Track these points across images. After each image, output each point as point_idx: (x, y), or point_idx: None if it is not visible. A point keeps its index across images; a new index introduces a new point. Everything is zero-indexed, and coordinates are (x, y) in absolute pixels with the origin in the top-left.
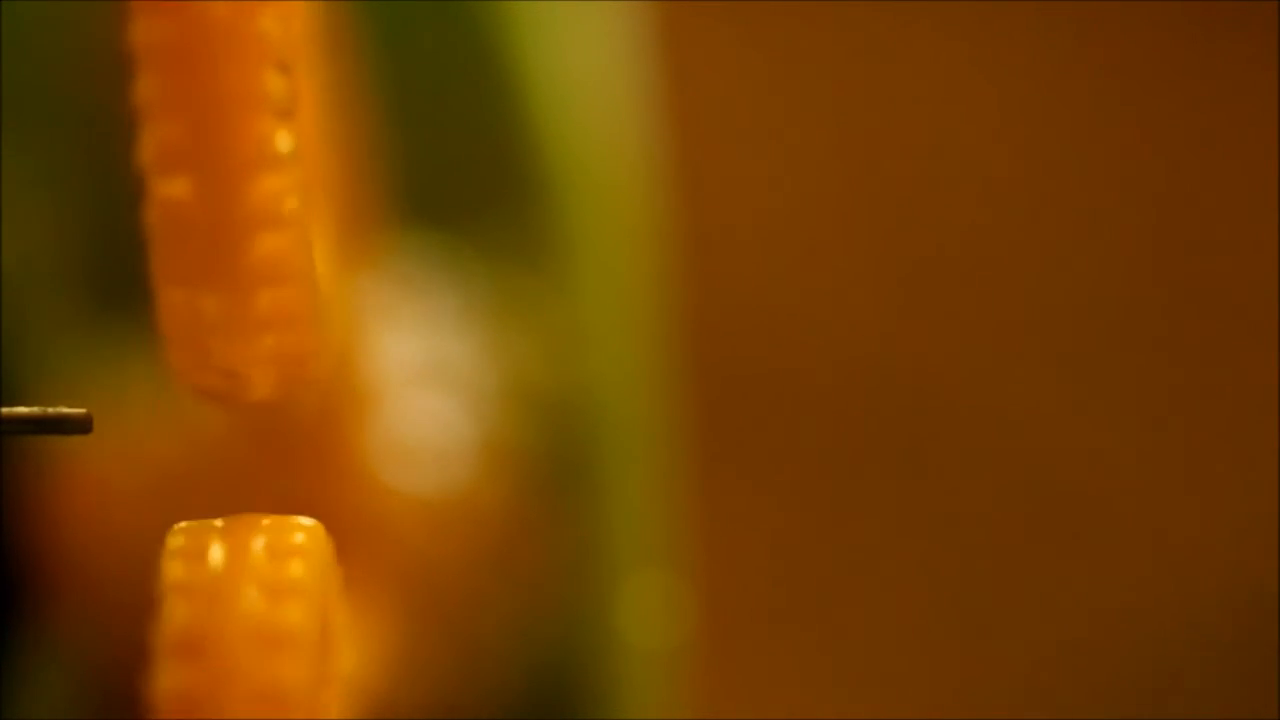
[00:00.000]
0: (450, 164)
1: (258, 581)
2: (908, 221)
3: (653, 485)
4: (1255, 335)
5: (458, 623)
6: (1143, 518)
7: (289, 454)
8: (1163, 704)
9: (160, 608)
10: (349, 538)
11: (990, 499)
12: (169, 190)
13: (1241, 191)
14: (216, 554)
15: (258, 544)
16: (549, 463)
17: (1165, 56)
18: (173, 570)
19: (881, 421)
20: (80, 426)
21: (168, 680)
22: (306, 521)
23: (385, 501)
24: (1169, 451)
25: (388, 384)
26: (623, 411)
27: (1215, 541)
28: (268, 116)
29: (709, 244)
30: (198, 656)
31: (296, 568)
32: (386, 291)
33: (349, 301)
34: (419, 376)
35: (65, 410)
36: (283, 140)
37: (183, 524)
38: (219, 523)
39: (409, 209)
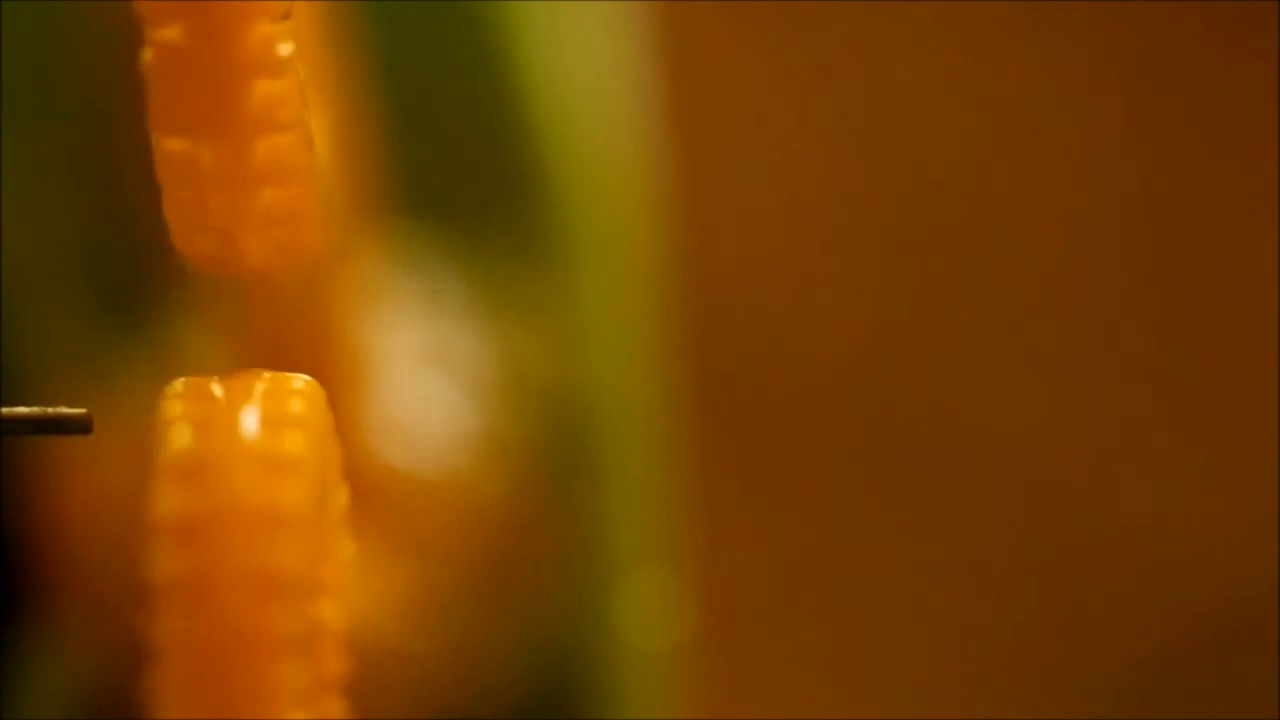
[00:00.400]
0: (451, 162)
1: (258, 413)
2: (908, 221)
3: (652, 483)
4: (1255, 335)
5: (457, 621)
6: (1143, 518)
7: None
8: (1163, 704)
9: (159, 440)
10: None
11: (990, 499)
12: (165, 36)
13: (1242, 191)
14: (217, 390)
15: (257, 387)
16: (549, 461)
17: (1165, 57)
18: (172, 407)
19: (881, 420)
20: (80, 426)
21: (167, 507)
22: (300, 381)
23: (383, 500)
24: (1169, 452)
25: (389, 375)
26: (622, 409)
27: (1215, 541)
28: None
29: (709, 242)
30: (198, 484)
31: (296, 404)
32: (388, 284)
33: (352, 293)
34: (420, 369)
35: (65, 410)
36: None
37: (179, 380)
38: (215, 385)
39: (411, 206)
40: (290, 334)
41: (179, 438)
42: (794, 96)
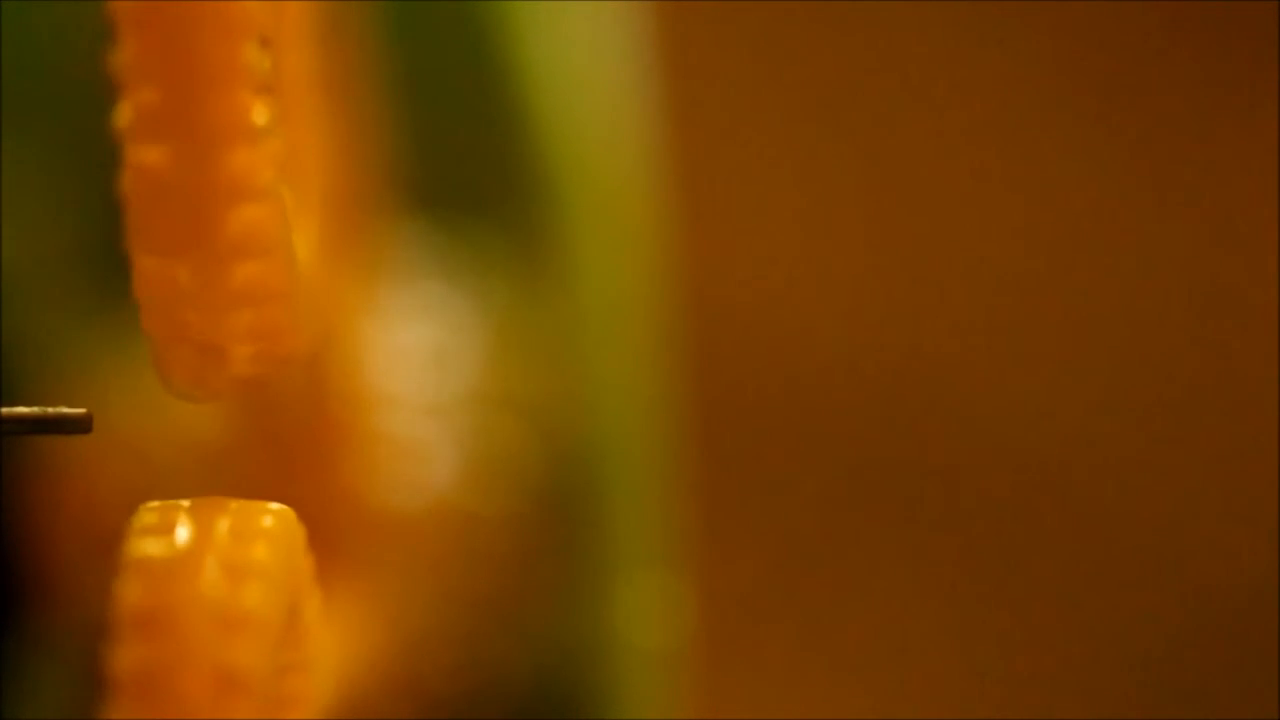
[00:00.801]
0: (451, 164)
1: (219, 561)
2: (909, 222)
3: (652, 484)
4: (1255, 335)
5: (457, 621)
6: (1143, 518)
7: (287, 453)
8: (1163, 704)
9: (120, 583)
10: (347, 537)
11: (990, 500)
12: (145, 157)
13: (1242, 191)
14: (181, 533)
15: (223, 525)
16: (548, 464)
17: (1165, 57)
18: (136, 547)
19: (881, 420)
20: (80, 426)
21: (124, 657)
22: (275, 506)
23: (382, 501)
24: (1169, 452)
25: (385, 382)
26: (622, 410)
27: (1215, 541)
28: (246, 89)
29: (709, 243)
30: (154, 633)
31: (260, 550)
32: (386, 288)
33: (348, 297)
34: (417, 375)
35: (65, 410)
36: (260, 113)
37: (153, 503)
38: (186, 503)
39: (410, 208)
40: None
41: (137, 586)
42: (794, 97)
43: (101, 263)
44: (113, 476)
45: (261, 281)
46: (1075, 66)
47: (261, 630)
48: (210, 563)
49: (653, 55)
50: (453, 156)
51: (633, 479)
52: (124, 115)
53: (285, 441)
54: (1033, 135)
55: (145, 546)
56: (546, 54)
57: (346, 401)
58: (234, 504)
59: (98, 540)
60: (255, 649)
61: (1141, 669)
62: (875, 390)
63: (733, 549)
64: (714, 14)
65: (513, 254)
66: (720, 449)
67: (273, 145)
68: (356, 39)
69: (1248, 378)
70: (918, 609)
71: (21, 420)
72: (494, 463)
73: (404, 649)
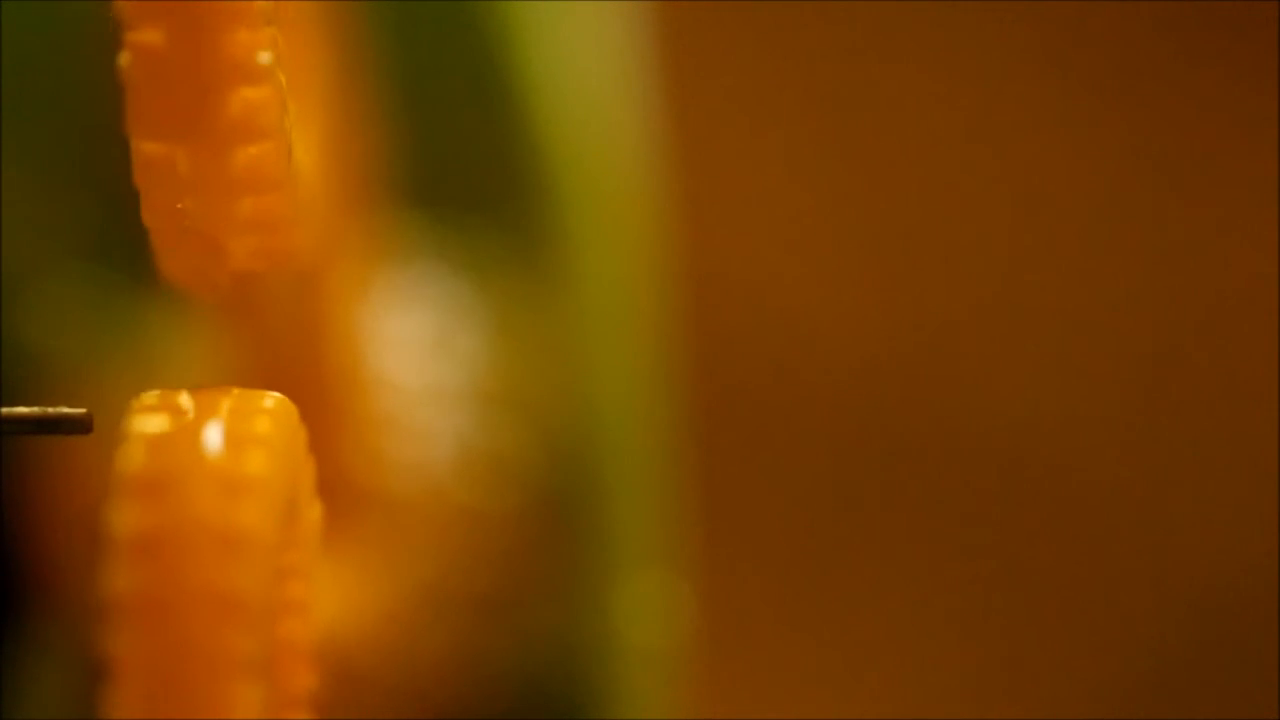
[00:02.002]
0: (451, 162)
1: (222, 431)
2: (908, 223)
3: (652, 484)
4: (1255, 334)
5: (455, 619)
6: (1143, 517)
7: None
8: (1163, 703)
9: (121, 453)
10: (346, 538)
11: (990, 500)
12: (144, 39)
13: (1242, 190)
14: (183, 405)
15: (224, 404)
16: (549, 462)
17: (1165, 57)
18: (137, 421)
19: (882, 420)
20: (80, 426)
21: (124, 523)
22: (274, 395)
23: (385, 496)
24: (1169, 452)
25: (387, 375)
26: (623, 410)
27: (1215, 540)
28: None
29: (709, 243)
30: (156, 501)
31: (262, 423)
32: (387, 286)
33: (349, 293)
34: (417, 373)
35: (65, 410)
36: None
37: (146, 397)
38: (183, 399)
39: (410, 206)
40: (282, 344)
41: (139, 452)
42: (794, 96)
43: (101, 263)
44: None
45: (261, 167)
46: (1075, 66)
47: (266, 498)
48: (212, 430)
49: (653, 55)
50: (453, 155)
51: (633, 478)
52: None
53: None
54: (1032, 134)
55: (146, 422)
56: (546, 53)
57: (347, 397)
58: (229, 398)
59: (97, 540)
60: (259, 515)
61: (1142, 668)
62: (876, 389)
63: (733, 549)
64: (714, 14)
65: (513, 252)
66: (720, 448)
67: (272, 30)
68: (356, 39)
69: (1248, 375)
70: (918, 608)
71: (21, 420)
72: (493, 460)
73: (405, 650)
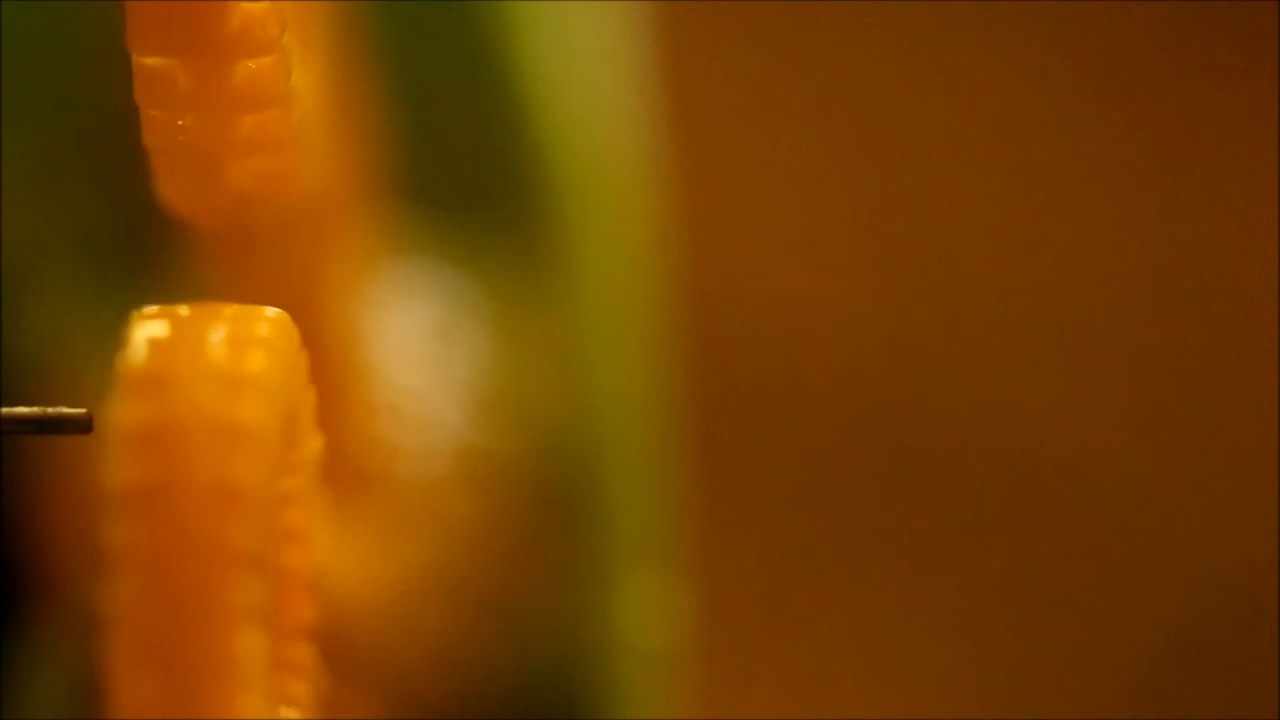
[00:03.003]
0: (451, 163)
1: (216, 375)
2: (909, 222)
3: (652, 484)
4: (1255, 334)
5: (455, 618)
6: (1143, 516)
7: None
8: (1163, 703)
9: (117, 398)
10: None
11: (990, 499)
12: None
13: (1242, 190)
14: (184, 312)
15: (218, 335)
16: (547, 460)
17: (1165, 57)
18: (132, 358)
19: (882, 422)
20: (80, 426)
21: (123, 473)
22: (271, 311)
23: (385, 478)
24: (1170, 450)
25: (385, 379)
26: (621, 410)
27: (1215, 541)
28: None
29: (708, 242)
30: (158, 395)
31: (256, 360)
32: (386, 285)
33: (351, 291)
34: (418, 372)
35: (65, 410)
36: None
37: (148, 310)
38: (183, 310)
39: (412, 207)
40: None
41: (141, 352)
42: (794, 97)
43: (102, 263)
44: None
45: (261, 82)
46: (1074, 66)
47: (260, 443)
48: (207, 377)
49: (653, 55)
50: (453, 154)
51: (632, 477)
52: None
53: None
54: (1031, 133)
55: (141, 361)
56: (546, 54)
57: (347, 397)
58: (230, 309)
59: (97, 541)
60: (254, 462)
61: (1142, 668)
62: (876, 389)
63: (733, 549)
64: (714, 14)
65: (513, 250)
66: (721, 449)
67: None
68: (357, 39)
69: (1248, 374)
70: (918, 607)
71: (21, 420)
72: (493, 460)
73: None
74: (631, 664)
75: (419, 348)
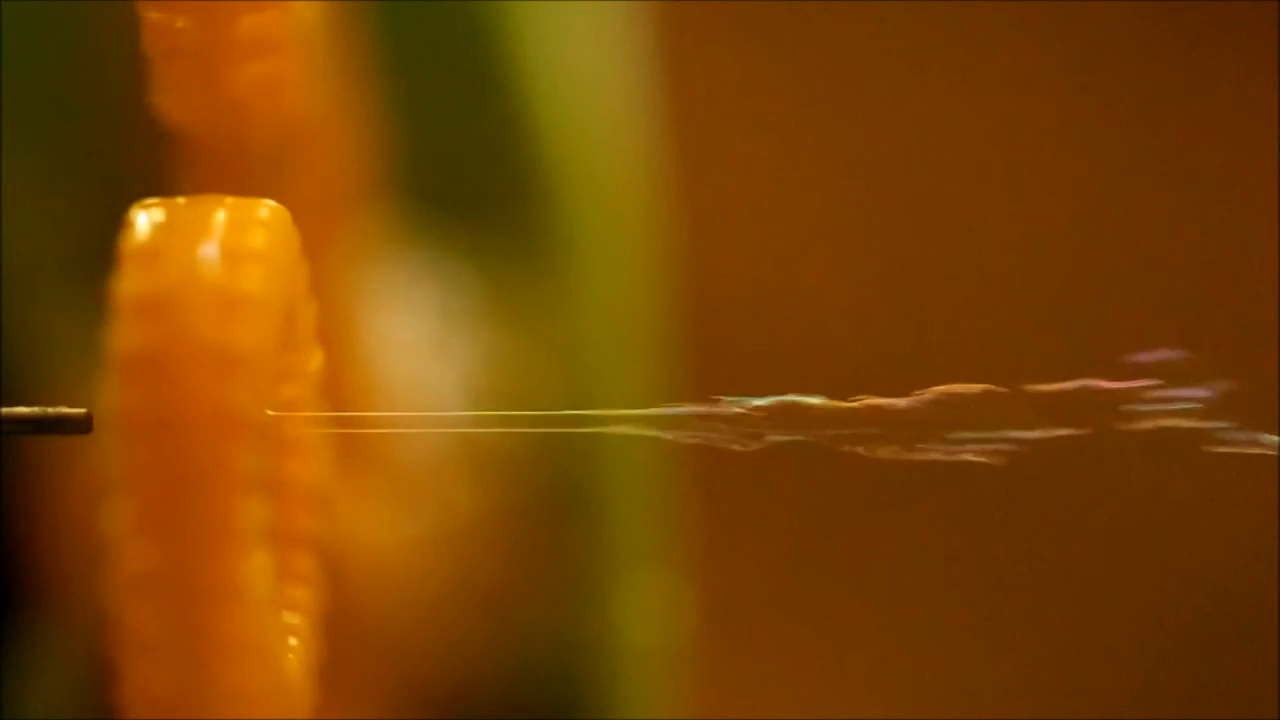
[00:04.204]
0: (451, 163)
1: (218, 247)
2: (908, 222)
3: (652, 484)
4: (1255, 334)
5: (456, 617)
6: (1143, 516)
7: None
8: (1163, 703)
9: (118, 272)
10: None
11: (989, 500)
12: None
13: (1242, 190)
14: (178, 217)
15: (219, 215)
16: (547, 459)
17: (1165, 57)
18: (133, 237)
19: None
20: (80, 426)
21: (124, 342)
22: (270, 202)
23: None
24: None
25: (386, 377)
26: (622, 407)
27: (1215, 541)
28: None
29: (708, 241)
30: (154, 319)
31: (257, 237)
32: (387, 284)
33: (351, 293)
34: (418, 371)
35: (65, 410)
36: None
37: (147, 200)
38: (181, 200)
39: (410, 206)
40: None
41: (135, 273)
42: (793, 97)
43: (102, 264)
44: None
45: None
46: (1074, 66)
47: (261, 312)
48: (208, 247)
49: (653, 55)
50: (453, 155)
51: (633, 479)
52: None
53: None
54: (1031, 133)
55: (142, 237)
56: (546, 54)
57: (348, 386)
58: (229, 199)
59: (97, 541)
60: (257, 333)
61: (1142, 668)
62: (876, 388)
63: (733, 548)
64: (714, 14)
65: (513, 249)
66: (720, 449)
67: None
68: (361, 38)
69: (1249, 376)
70: (918, 607)
71: (21, 420)
72: (494, 459)
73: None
74: (631, 663)
75: (419, 341)
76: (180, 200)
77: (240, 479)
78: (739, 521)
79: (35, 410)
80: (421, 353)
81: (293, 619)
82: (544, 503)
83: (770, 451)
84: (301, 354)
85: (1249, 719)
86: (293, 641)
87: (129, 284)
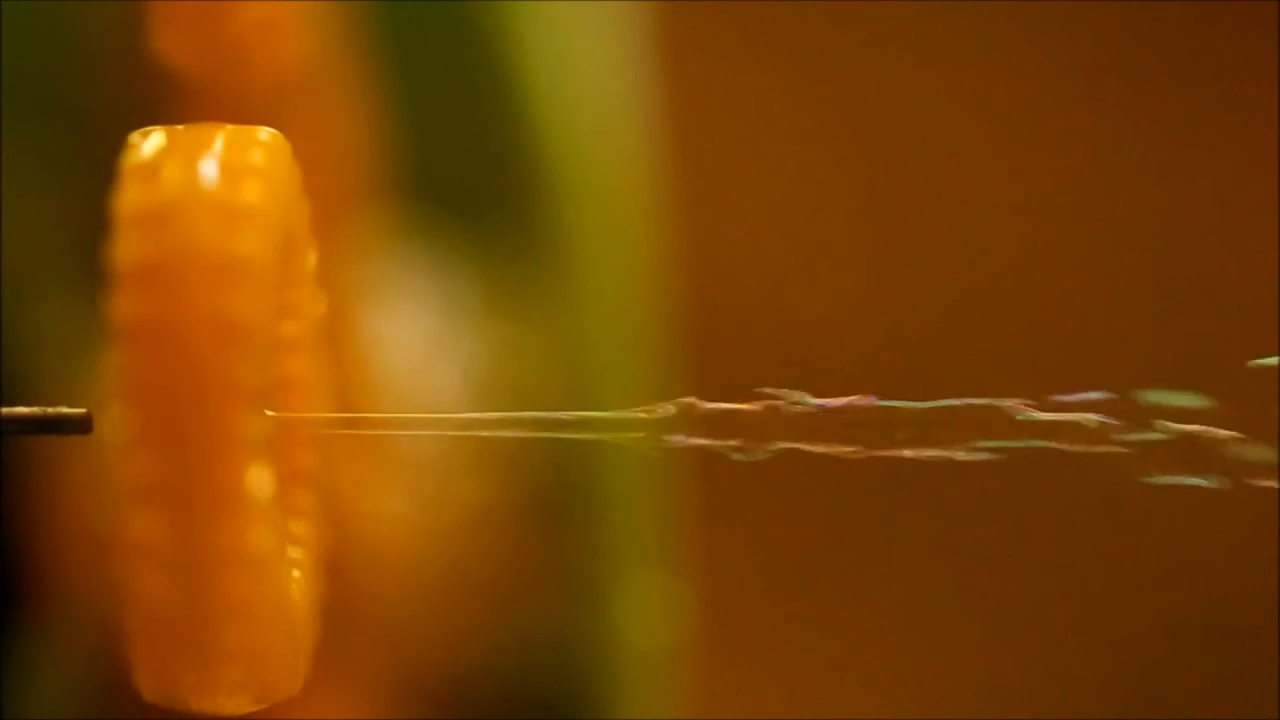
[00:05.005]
0: (451, 163)
1: (212, 208)
2: (907, 220)
3: (652, 484)
4: (1255, 332)
5: (456, 618)
6: (1143, 517)
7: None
8: (1163, 703)
9: (116, 237)
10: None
11: (990, 500)
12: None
13: (1241, 189)
14: (178, 139)
15: (219, 136)
16: (548, 463)
17: (1165, 56)
18: (128, 193)
19: None
20: (80, 426)
21: (126, 253)
22: (266, 132)
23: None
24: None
25: (385, 376)
26: (622, 406)
27: (1215, 541)
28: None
29: (708, 240)
30: (156, 230)
31: (251, 190)
32: (387, 284)
33: (352, 292)
34: (417, 370)
35: (65, 410)
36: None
37: (142, 131)
38: (180, 129)
39: (410, 206)
40: None
41: (138, 186)
42: (793, 96)
43: (102, 263)
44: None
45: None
46: (1074, 66)
47: (264, 226)
48: (209, 161)
49: (653, 55)
50: (453, 154)
51: (633, 479)
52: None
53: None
54: (1030, 132)
55: (137, 195)
56: (547, 55)
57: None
58: (226, 130)
59: (98, 541)
60: (258, 243)
61: (1142, 668)
62: (876, 387)
63: (733, 549)
64: (714, 15)
65: (513, 248)
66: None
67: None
68: (363, 39)
69: (1249, 373)
70: (918, 607)
71: (21, 420)
72: (494, 459)
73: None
74: (631, 663)
75: (420, 338)
76: (180, 126)
77: (242, 388)
78: (739, 521)
79: (35, 410)
80: (422, 350)
81: (294, 553)
82: (544, 500)
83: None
84: (302, 292)
85: (1249, 719)
86: (295, 574)
87: (129, 198)
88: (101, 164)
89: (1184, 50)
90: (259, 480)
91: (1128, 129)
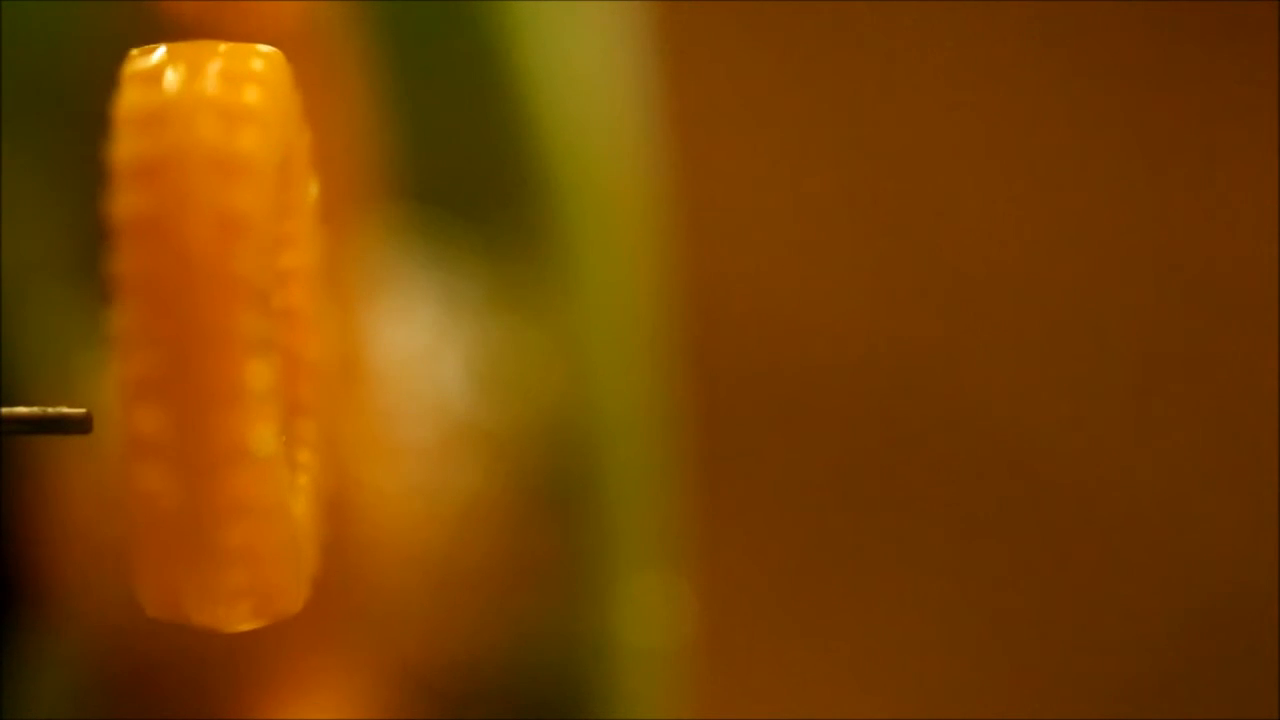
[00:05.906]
0: (451, 163)
1: (213, 108)
2: (907, 221)
3: (652, 483)
4: (1255, 334)
5: (456, 618)
6: (1143, 516)
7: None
8: (1163, 703)
9: (115, 135)
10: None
11: (990, 500)
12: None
13: (1241, 189)
14: (178, 50)
15: (213, 69)
16: (548, 460)
17: (1165, 55)
18: (129, 96)
19: (882, 421)
20: (80, 426)
21: (127, 151)
22: (264, 48)
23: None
24: (1171, 448)
25: (385, 377)
26: (622, 409)
27: (1215, 541)
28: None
29: (708, 239)
30: (157, 128)
31: (252, 94)
32: (386, 285)
33: (348, 293)
34: (417, 372)
35: (65, 410)
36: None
37: (141, 48)
38: (178, 45)
39: (410, 207)
40: None
41: (139, 88)
42: (793, 97)
43: (101, 263)
44: (112, 477)
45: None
46: (1074, 66)
47: (259, 173)
48: (204, 109)
49: (653, 54)
50: (453, 154)
51: (633, 475)
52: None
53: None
54: (1030, 132)
55: (137, 95)
56: (547, 54)
57: (347, 395)
58: (224, 46)
59: (98, 541)
60: (259, 141)
61: (1142, 668)
62: (875, 389)
63: (733, 548)
64: (714, 14)
65: (514, 248)
66: (721, 448)
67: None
68: (357, 39)
69: (1248, 373)
70: (918, 607)
71: (21, 420)
72: (494, 460)
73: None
74: (631, 663)
75: (420, 348)
76: (173, 49)
77: (243, 282)
78: (739, 520)
79: (35, 410)
80: (423, 348)
81: (300, 457)
82: (544, 497)
83: (770, 449)
84: (297, 193)
85: (1249, 719)
86: (300, 481)
87: (130, 100)
88: (101, 164)
89: (1184, 50)
90: (260, 375)
91: (1129, 132)
